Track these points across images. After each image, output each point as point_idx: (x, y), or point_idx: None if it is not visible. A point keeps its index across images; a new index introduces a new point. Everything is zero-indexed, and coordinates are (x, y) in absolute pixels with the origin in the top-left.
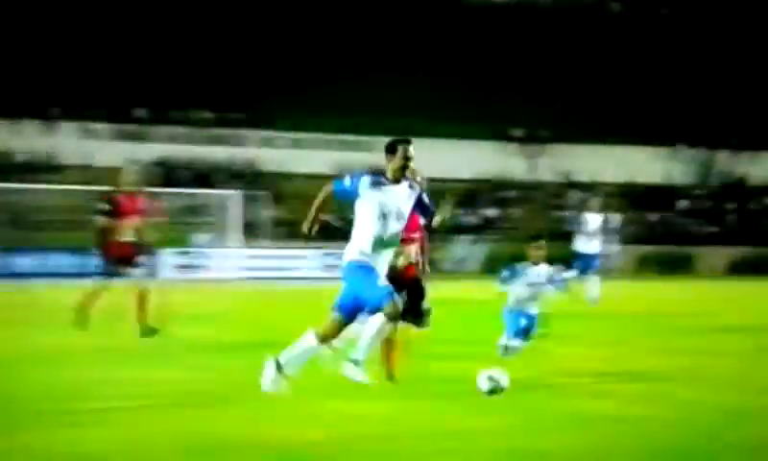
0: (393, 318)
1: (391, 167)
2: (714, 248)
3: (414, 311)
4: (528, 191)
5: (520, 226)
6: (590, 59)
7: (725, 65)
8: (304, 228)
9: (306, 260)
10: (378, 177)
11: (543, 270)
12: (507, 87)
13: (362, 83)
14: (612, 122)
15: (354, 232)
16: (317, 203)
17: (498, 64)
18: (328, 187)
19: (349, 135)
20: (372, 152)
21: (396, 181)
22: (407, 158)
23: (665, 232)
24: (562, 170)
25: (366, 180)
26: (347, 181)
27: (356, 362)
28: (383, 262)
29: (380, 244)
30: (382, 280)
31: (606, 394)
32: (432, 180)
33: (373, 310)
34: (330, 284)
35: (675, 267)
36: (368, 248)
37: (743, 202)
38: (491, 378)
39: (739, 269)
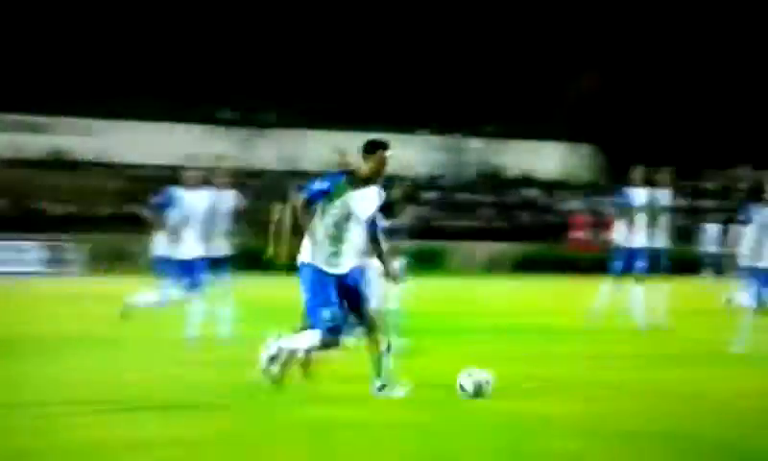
0: (326, 347)
1: (367, 169)
2: (471, 243)
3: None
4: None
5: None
6: (312, 37)
7: (476, 46)
8: (275, 254)
9: None
10: (351, 177)
11: None
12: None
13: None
14: (344, 106)
15: (316, 232)
16: (287, 222)
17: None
18: (297, 200)
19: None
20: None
21: (368, 183)
22: (384, 163)
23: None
24: (284, 156)
25: (343, 179)
26: (321, 184)
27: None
28: (345, 266)
29: (341, 245)
30: (332, 303)
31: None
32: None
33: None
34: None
35: (427, 263)
36: (328, 251)
37: (500, 194)
38: (470, 375)
39: (500, 266)
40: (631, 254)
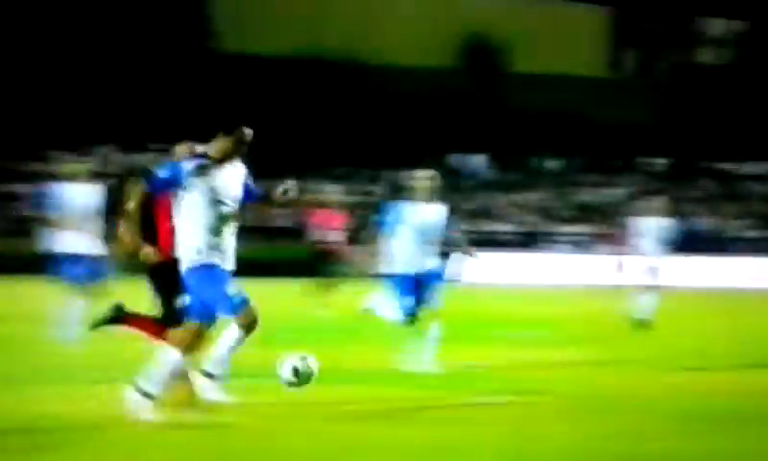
0: (249, 328)
1: (220, 148)
2: None
3: None
4: None
5: None
6: None
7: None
8: (133, 249)
9: None
10: (202, 160)
11: None
12: None
13: None
14: None
15: (183, 230)
16: (132, 215)
17: None
18: (138, 189)
19: None
20: None
21: (224, 162)
22: (243, 142)
23: None
24: None
25: (189, 165)
26: (164, 172)
27: (211, 376)
28: (228, 253)
29: (218, 235)
30: (231, 285)
31: None
32: None
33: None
34: None
35: None
36: (205, 244)
37: None
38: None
39: None
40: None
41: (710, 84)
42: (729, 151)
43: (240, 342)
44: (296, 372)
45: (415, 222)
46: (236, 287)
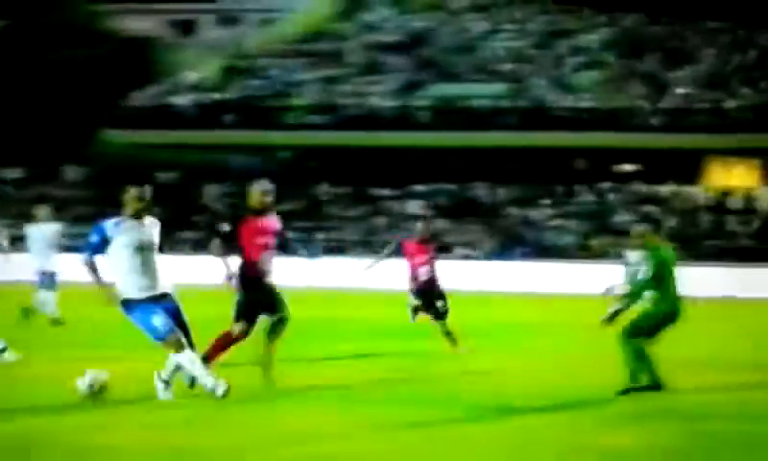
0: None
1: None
2: None
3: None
4: None
5: None
6: None
7: None
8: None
9: None
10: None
11: None
12: None
13: None
14: None
15: (118, 272)
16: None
17: None
18: (84, 259)
19: None
20: None
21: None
22: (141, 199)
23: None
24: None
25: (110, 224)
26: (94, 237)
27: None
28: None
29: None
30: (159, 319)
31: None
32: None
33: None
34: None
35: None
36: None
37: None
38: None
39: None
40: None
41: None
42: None
43: (191, 360)
44: (92, 386)
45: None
46: (162, 319)
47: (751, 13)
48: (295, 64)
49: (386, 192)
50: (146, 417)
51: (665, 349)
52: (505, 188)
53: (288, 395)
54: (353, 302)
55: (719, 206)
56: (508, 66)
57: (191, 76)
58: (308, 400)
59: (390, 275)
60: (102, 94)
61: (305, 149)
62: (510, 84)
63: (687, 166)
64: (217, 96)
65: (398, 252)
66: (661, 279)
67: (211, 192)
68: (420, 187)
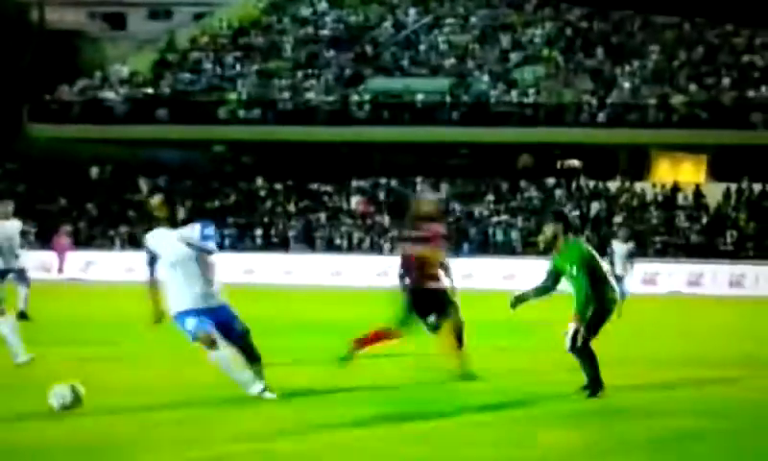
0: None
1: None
2: None
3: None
4: None
5: None
6: None
7: None
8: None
9: None
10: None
11: None
12: None
13: None
14: None
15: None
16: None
17: None
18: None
19: None
20: None
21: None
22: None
23: None
24: None
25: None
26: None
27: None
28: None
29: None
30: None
31: None
32: None
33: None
34: None
35: None
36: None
37: None
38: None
39: None
40: None
41: None
42: None
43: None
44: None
45: None
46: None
47: (698, 9)
48: (229, 58)
49: (327, 188)
50: None
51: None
52: (448, 184)
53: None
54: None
55: (667, 201)
56: (450, 61)
57: (122, 70)
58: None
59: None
60: (28, 88)
61: (240, 143)
62: (452, 78)
63: (635, 162)
64: (149, 90)
65: None
66: (583, 277)
67: (145, 187)
68: (360, 182)
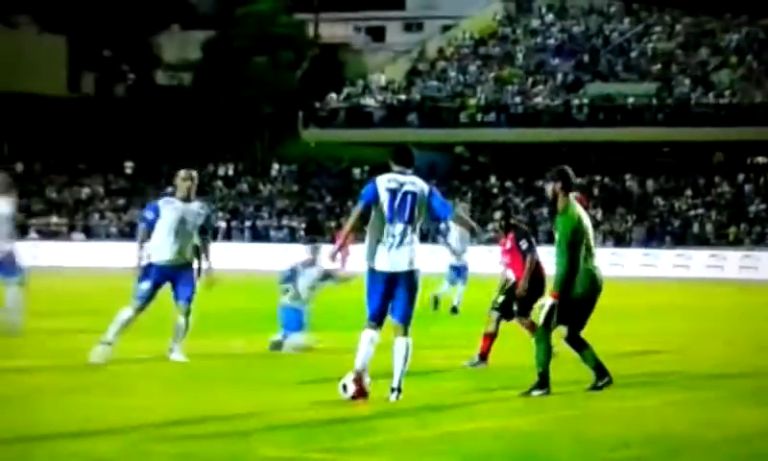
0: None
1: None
2: None
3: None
4: None
5: None
6: None
7: None
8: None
9: None
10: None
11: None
12: None
13: None
14: None
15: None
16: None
17: None
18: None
19: None
20: None
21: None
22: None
23: None
24: None
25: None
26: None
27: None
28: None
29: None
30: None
31: None
32: None
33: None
34: None
35: None
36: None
37: None
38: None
39: None
40: None
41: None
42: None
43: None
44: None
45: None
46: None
47: None
48: (471, 67)
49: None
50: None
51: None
52: (653, 180)
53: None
54: None
55: None
56: (656, 66)
57: (380, 79)
58: None
59: None
60: (303, 96)
61: (477, 145)
62: (658, 82)
63: None
64: (402, 97)
65: None
66: (564, 251)
67: None
68: (578, 180)
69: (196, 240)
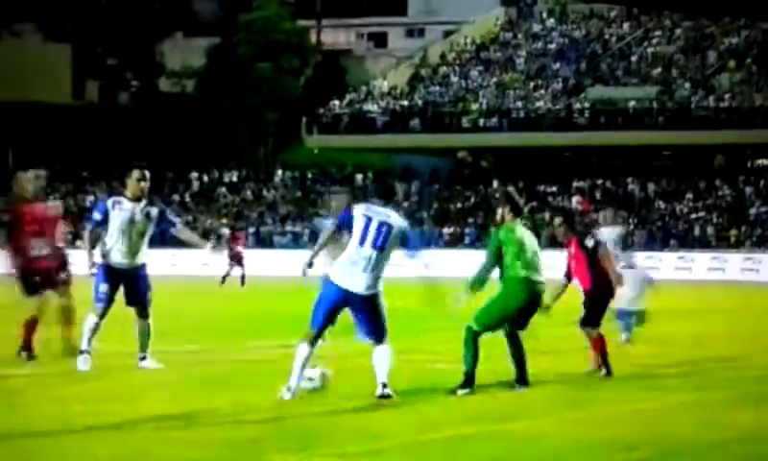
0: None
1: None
2: None
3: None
4: None
5: None
6: None
7: None
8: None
9: None
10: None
11: None
12: None
13: None
14: None
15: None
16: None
17: None
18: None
19: None
20: None
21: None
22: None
23: None
24: None
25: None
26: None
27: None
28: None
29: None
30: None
31: None
32: None
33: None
34: None
35: None
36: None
37: None
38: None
39: None
40: None
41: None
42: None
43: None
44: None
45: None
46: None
47: None
48: (473, 72)
49: (552, 188)
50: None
51: None
52: (653, 183)
53: None
54: None
55: None
56: (657, 70)
57: (383, 85)
58: None
59: None
60: (306, 103)
61: (479, 149)
62: (659, 86)
63: None
64: (405, 103)
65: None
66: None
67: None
68: (580, 183)
69: (146, 244)
